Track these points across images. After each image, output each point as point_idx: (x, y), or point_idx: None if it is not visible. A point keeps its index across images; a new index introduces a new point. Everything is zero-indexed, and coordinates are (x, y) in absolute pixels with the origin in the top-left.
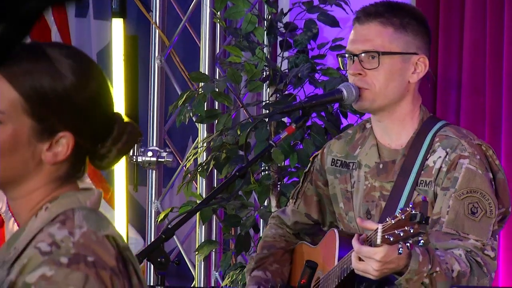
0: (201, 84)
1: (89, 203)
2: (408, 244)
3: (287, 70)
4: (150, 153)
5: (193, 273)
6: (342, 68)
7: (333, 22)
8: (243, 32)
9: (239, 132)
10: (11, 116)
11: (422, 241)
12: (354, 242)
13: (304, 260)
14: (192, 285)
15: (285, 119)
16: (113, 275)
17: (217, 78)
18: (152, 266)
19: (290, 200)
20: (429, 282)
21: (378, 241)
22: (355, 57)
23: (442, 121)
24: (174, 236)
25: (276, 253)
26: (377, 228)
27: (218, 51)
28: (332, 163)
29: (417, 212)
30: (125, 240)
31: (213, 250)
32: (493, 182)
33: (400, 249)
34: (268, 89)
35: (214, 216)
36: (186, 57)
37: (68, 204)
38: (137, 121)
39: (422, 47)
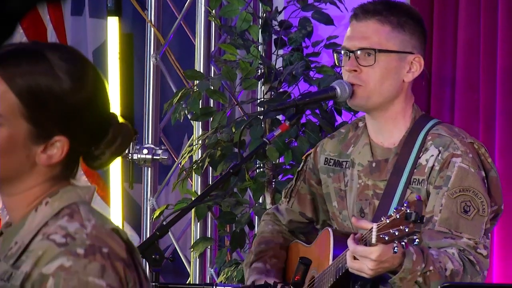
0: (196, 82)
1: (87, 198)
2: (403, 243)
3: (281, 68)
4: (145, 151)
5: (189, 270)
6: (337, 64)
7: (328, 20)
8: (238, 30)
9: (234, 130)
10: (8, 119)
11: (417, 240)
12: (350, 242)
13: (297, 258)
14: (187, 282)
15: (280, 117)
16: (125, 266)
17: (212, 76)
18: (147, 263)
19: (283, 199)
20: (422, 281)
21: (373, 240)
22: (351, 53)
23: (434, 120)
24: (170, 233)
25: (274, 248)
26: (372, 228)
27: (213, 49)
28: (325, 162)
29: (412, 212)
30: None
31: (208, 247)
32: (485, 180)
33: (395, 248)
34: (263, 86)
35: (209, 213)
36: (181, 55)
37: (70, 199)
38: (133, 119)
39: (418, 46)
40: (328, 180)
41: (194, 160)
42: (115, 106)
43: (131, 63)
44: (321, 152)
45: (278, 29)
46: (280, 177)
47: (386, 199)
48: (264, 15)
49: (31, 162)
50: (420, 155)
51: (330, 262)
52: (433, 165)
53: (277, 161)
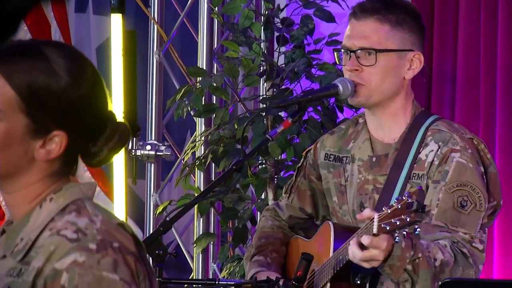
0: (199, 78)
1: (90, 194)
2: (404, 233)
3: (283, 65)
4: (148, 147)
5: (191, 265)
6: (338, 63)
7: (329, 18)
8: (240, 28)
9: (236, 126)
10: (6, 113)
11: (418, 229)
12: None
13: (299, 253)
14: (190, 277)
15: (282, 113)
16: (136, 260)
17: (215, 72)
18: (150, 258)
19: (284, 194)
20: (411, 268)
21: (375, 230)
22: (351, 53)
23: (434, 116)
24: (173, 229)
25: (274, 243)
26: (373, 218)
27: (215, 46)
28: (326, 158)
29: (414, 201)
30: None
31: (211, 242)
32: (484, 176)
33: (397, 237)
34: (265, 83)
35: (212, 209)
36: (184, 52)
37: (74, 195)
38: (136, 115)
39: (417, 43)
40: (329, 175)
41: (197, 156)
42: (119, 102)
43: (134, 60)
44: (321, 148)
45: (280, 26)
46: (282, 173)
47: (386, 193)
48: (266, 12)
49: (30, 158)
50: (420, 150)
51: (331, 255)
52: (433, 160)
53: (279, 158)
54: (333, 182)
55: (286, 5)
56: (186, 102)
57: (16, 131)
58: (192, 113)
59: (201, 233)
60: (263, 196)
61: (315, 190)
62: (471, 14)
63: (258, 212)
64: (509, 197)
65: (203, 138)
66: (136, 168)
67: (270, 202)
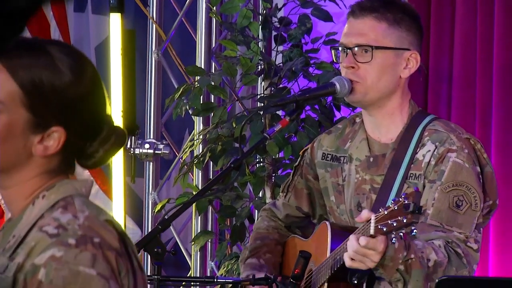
0: (197, 77)
1: (84, 191)
2: (401, 234)
3: (281, 64)
4: (147, 145)
5: (190, 263)
6: (335, 61)
7: (327, 17)
8: (238, 27)
9: (234, 125)
10: (8, 106)
11: (415, 230)
12: (352, 239)
13: (296, 252)
14: (188, 275)
15: (280, 112)
16: (117, 255)
17: (213, 71)
18: (149, 256)
19: (281, 193)
20: (404, 268)
21: (371, 231)
22: (348, 50)
23: (431, 116)
24: (171, 227)
25: (269, 244)
26: (370, 219)
27: (214, 45)
28: (323, 157)
29: (410, 202)
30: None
31: (209, 240)
32: (480, 176)
33: (393, 239)
34: (263, 82)
35: (210, 207)
36: (183, 51)
37: (66, 191)
38: (135, 114)
39: (414, 43)
40: (326, 174)
41: (195, 155)
42: (117, 101)
43: (133, 59)
44: (318, 147)
45: (278, 25)
46: (279, 171)
47: (384, 193)
48: (264, 12)
49: (28, 153)
50: (417, 150)
51: (328, 255)
52: (430, 160)
53: (277, 156)
54: (331, 182)
55: (284, 5)
56: (184, 101)
57: (17, 124)
58: (190, 111)
59: (199, 231)
60: (260, 194)
61: (312, 189)
62: (468, 13)
63: (256, 210)
64: (505, 196)
65: (201, 137)
66: (134, 167)
67: (268, 200)
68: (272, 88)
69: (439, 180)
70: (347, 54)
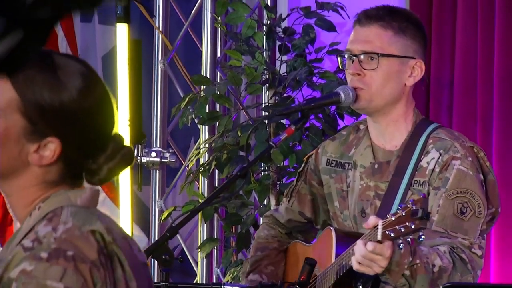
0: (203, 87)
1: (79, 201)
2: (409, 240)
3: (285, 74)
4: (153, 154)
5: (196, 270)
6: (341, 67)
7: (330, 27)
8: (243, 37)
9: (239, 134)
10: (6, 112)
11: (422, 236)
12: (360, 244)
13: (299, 258)
14: (194, 281)
15: (284, 121)
16: (92, 267)
17: (218, 81)
18: (156, 263)
19: (284, 198)
20: (409, 274)
21: (379, 236)
22: (354, 57)
23: (434, 124)
24: (178, 234)
25: (269, 255)
26: (377, 225)
27: (219, 55)
28: (327, 163)
29: (419, 208)
30: (119, 233)
31: (215, 247)
32: (483, 183)
33: (401, 244)
34: (267, 91)
35: (216, 215)
36: (188, 61)
37: (59, 202)
38: (141, 123)
39: (419, 51)
40: (330, 180)
41: (201, 163)
42: (124, 110)
43: (140, 68)
44: (323, 154)
45: (282, 35)
46: (284, 179)
47: (388, 199)
48: (269, 22)
49: (24, 160)
50: (422, 157)
51: (333, 260)
52: (434, 167)
53: (282, 164)
54: (335, 188)
55: (288, 15)
56: (190, 110)
57: (13, 130)
58: (196, 120)
59: (205, 238)
60: (265, 202)
61: (316, 194)
62: (469, 23)
63: (261, 218)
64: (506, 202)
65: (207, 145)
66: (141, 175)
67: (273, 207)
68: (277, 97)
69: (444, 187)
70: (353, 61)
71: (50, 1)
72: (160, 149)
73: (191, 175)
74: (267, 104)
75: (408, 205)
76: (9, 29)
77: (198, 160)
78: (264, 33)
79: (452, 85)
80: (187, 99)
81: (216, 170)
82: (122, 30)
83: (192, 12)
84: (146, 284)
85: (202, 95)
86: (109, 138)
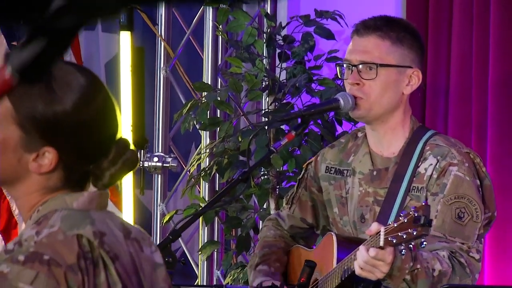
0: (204, 93)
1: (75, 204)
2: (411, 246)
3: (285, 80)
4: (155, 159)
5: (197, 272)
6: (339, 77)
7: (329, 35)
8: (243, 44)
9: (240, 139)
10: (2, 123)
11: (424, 242)
12: (362, 250)
13: (300, 262)
14: (195, 283)
15: (283, 126)
16: (68, 271)
17: (219, 87)
18: None
19: (285, 205)
20: (410, 278)
21: (381, 243)
22: (353, 67)
23: (431, 131)
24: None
25: (277, 252)
26: (380, 231)
27: (220, 62)
28: (326, 171)
29: (421, 215)
30: (119, 236)
31: (215, 250)
32: (480, 189)
33: (403, 250)
34: (267, 98)
35: (216, 218)
36: (190, 68)
37: (54, 206)
38: (144, 128)
39: (416, 60)
40: (330, 187)
41: (202, 168)
42: (127, 116)
43: (142, 75)
44: (322, 161)
45: (282, 43)
46: (283, 184)
47: (387, 205)
48: (269, 30)
49: (25, 168)
50: (419, 164)
51: (334, 264)
52: (432, 173)
53: (281, 169)
54: (334, 194)
55: (288, 23)
56: (192, 116)
57: (10, 140)
58: (197, 126)
59: (206, 241)
60: (265, 206)
61: (316, 201)
62: (464, 31)
63: (261, 221)
64: (500, 207)
65: (208, 150)
66: (143, 179)
67: (272, 211)
68: (276, 104)
69: (442, 192)
70: (352, 71)
71: (72, 11)
72: (162, 154)
73: (193, 179)
74: (267, 110)
75: (410, 212)
76: (32, 37)
77: (199, 165)
78: (264, 41)
79: (448, 94)
80: (189, 105)
81: (217, 175)
82: (125, 38)
83: (194, 21)
84: (149, 286)
85: (203, 101)
86: (112, 144)
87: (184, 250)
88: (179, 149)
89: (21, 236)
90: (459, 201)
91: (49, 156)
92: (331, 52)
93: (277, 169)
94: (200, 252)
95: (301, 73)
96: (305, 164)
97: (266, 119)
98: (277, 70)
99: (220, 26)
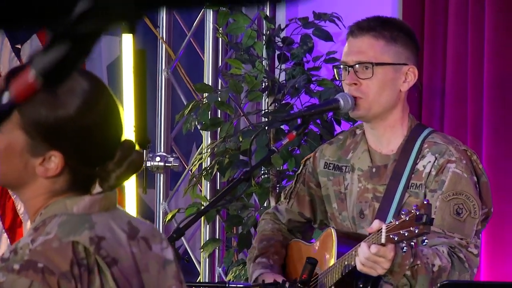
0: (205, 94)
1: (76, 209)
2: (412, 243)
3: (284, 81)
4: (158, 158)
5: (199, 269)
6: (337, 78)
7: (327, 37)
8: (243, 46)
9: (240, 139)
10: (7, 128)
11: (426, 240)
12: (364, 246)
13: (300, 256)
14: (197, 280)
15: (283, 126)
16: (61, 279)
17: (220, 89)
18: None
19: (283, 199)
20: (410, 274)
21: (383, 240)
22: (350, 68)
23: (429, 128)
24: None
25: (275, 245)
26: (381, 228)
27: (220, 64)
28: (325, 166)
29: (423, 214)
30: (122, 239)
31: (217, 247)
32: (477, 185)
33: (404, 247)
34: (267, 98)
35: (218, 216)
36: (191, 70)
37: (54, 211)
38: (146, 129)
39: (411, 57)
40: (328, 183)
41: (203, 167)
42: (130, 117)
43: (144, 77)
44: (321, 157)
45: (281, 45)
46: (283, 182)
47: (386, 201)
48: (268, 32)
49: (31, 172)
50: (418, 161)
51: (334, 260)
52: (430, 170)
53: (281, 168)
54: (333, 190)
55: (287, 25)
56: (193, 117)
57: (16, 145)
58: (199, 126)
59: (207, 239)
60: (265, 204)
61: (314, 196)
62: (459, 32)
63: None
64: (495, 205)
65: (209, 150)
66: (146, 178)
67: None
68: (276, 104)
69: (440, 189)
70: (348, 72)
71: (95, 16)
72: (164, 154)
73: (194, 178)
74: (266, 110)
75: (412, 210)
76: (56, 41)
77: (200, 164)
78: (264, 42)
79: (444, 94)
80: (190, 106)
81: (218, 174)
82: (127, 41)
83: (195, 23)
84: (154, 287)
85: (204, 102)
86: (117, 146)
87: (186, 248)
88: (180, 149)
89: (17, 244)
90: (457, 197)
91: (55, 160)
92: (329, 53)
93: (277, 168)
94: (202, 250)
95: (300, 74)
96: (304, 160)
97: (266, 119)
98: (277, 71)
99: (221, 29)
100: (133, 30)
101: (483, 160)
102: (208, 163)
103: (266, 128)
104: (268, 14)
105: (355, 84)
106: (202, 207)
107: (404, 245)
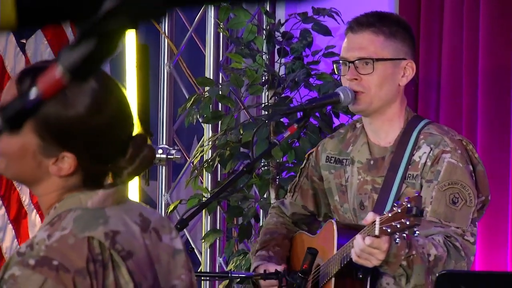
0: (207, 88)
1: (90, 203)
2: (404, 235)
3: (284, 75)
4: (160, 151)
5: (200, 259)
6: (336, 73)
7: (326, 31)
8: (244, 41)
9: (241, 132)
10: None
11: (417, 231)
12: (358, 239)
13: (303, 247)
14: (198, 270)
15: (283, 119)
16: (76, 276)
17: (221, 82)
18: None
19: (288, 193)
20: (406, 264)
21: (376, 232)
22: (350, 63)
23: (425, 120)
24: None
25: (277, 238)
26: (375, 221)
27: (221, 58)
28: (327, 160)
29: (413, 206)
30: (136, 231)
31: (218, 238)
32: (473, 174)
33: (397, 239)
34: (267, 92)
35: (219, 207)
36: (193, 64)
37: (69, 205)
38: (149, 122)
39: (409, 52)
40: (330, 176)
41: (205, 159)
42: (133, 110)
43: (147, 71)
44: (323, 151)
45: (281, 39)
46: (283, 174)
47: (384, 193)
48: (268, 27)
49: (45, 171)
50: (414, 152)
51: (335, 251)
52: (426, 161)
53: (281, 160)
54: (334, 183)
55: (286, 20)
56: (195, 110)
57: (28, 147)
58: (200, 119)
59: (208, 229)
60: (265, 196)
61: (317, 189)
62: (455, 27)
63: (262, 210)
64: (491, 195)
65: (211, 143)
66: (148, 170)
67: (272, 200)
68: (276, 98)
69: (436, 179)
70: (349, 67)
71: (120, 13)
72: (166, 146)
73: (196, 170)
74: (267, 103)
75: (404, 203)
76: (83, 37)
77: (202, 156)
78: (264, 37)
79: (439, 87)
80: (192, 99)
81: (219, 166)
82: (130, 36)
83: (196, 18)
84: (165, 277)
85: (206, 95)
86: (128, 143)
87: (188, 238)
88: (182, 142)
89: (34, 238)
90: (453, 187)
91: (68, 160)
92: (328, 47)
93: (277, 160)
94: (203, 240)
95: (299, 68)
96: (307, 154)
97: (266, 112)
98: (277, 65)
99: (222, 24)
100: (136, 25)
101: (478, 151)
102: (210, 156)
103: (267, 121)
104: (268, 9)
105: (356, 79)
106: (204, 199)
107: (397, 236)
